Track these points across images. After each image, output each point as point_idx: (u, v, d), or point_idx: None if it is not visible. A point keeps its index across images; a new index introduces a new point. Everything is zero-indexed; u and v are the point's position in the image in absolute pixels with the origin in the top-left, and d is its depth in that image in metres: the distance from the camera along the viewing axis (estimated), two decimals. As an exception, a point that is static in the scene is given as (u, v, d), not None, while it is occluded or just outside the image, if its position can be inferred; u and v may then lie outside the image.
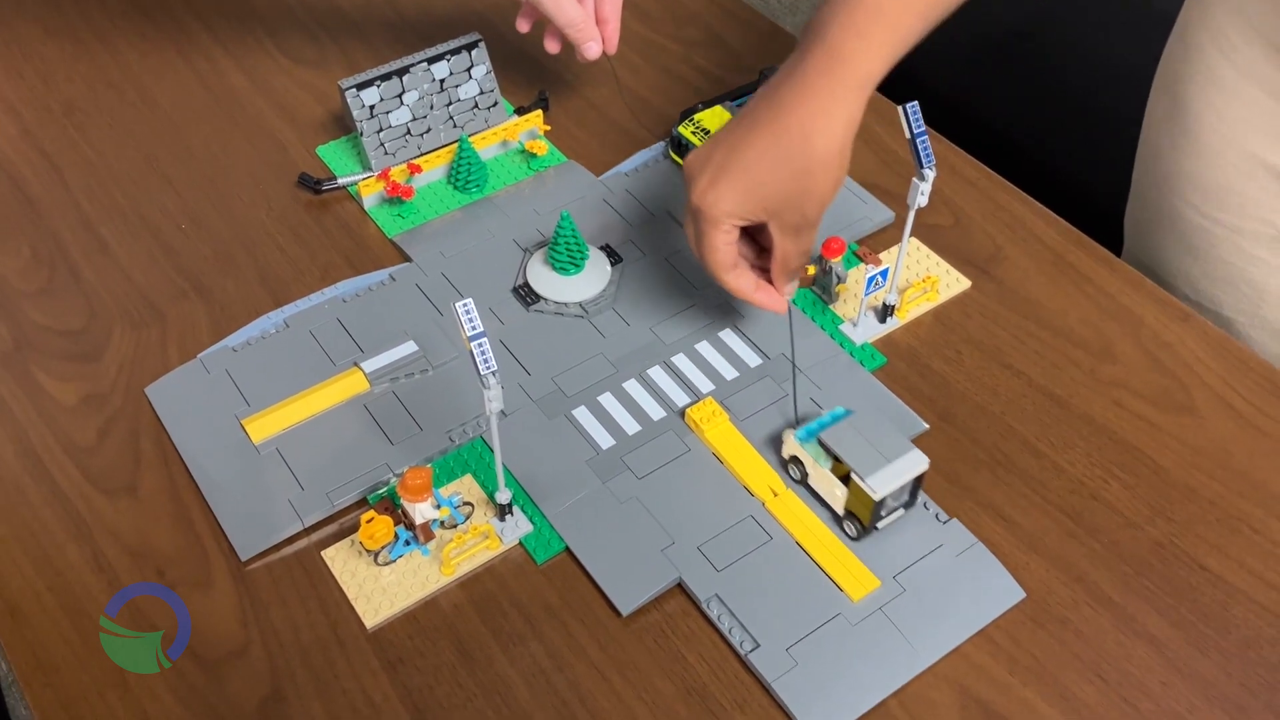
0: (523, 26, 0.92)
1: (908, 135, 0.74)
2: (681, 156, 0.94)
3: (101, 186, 0.94)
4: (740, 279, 0.76)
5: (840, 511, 0.71)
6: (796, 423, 0.75)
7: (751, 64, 1.04)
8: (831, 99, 0.71)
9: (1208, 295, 0.97)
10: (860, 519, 0.70)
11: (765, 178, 0.72)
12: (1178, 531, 0.73)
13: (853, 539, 0.71)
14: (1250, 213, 0.92)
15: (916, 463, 0.69)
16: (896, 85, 1.07)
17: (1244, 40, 0.88)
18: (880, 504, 0.68)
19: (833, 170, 0.72)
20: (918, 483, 0.70)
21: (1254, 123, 0.90)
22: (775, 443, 0.75)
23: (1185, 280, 0.98)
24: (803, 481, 0.73)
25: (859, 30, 0.72)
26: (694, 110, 0.95)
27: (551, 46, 0.92)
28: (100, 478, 0.75)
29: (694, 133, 0.92)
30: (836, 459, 0.70)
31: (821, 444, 0.71)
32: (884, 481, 0.68)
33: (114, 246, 0.89)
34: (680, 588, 0.70)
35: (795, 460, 0.73)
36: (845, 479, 0.70)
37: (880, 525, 0.70)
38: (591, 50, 0.90)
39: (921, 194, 0.75)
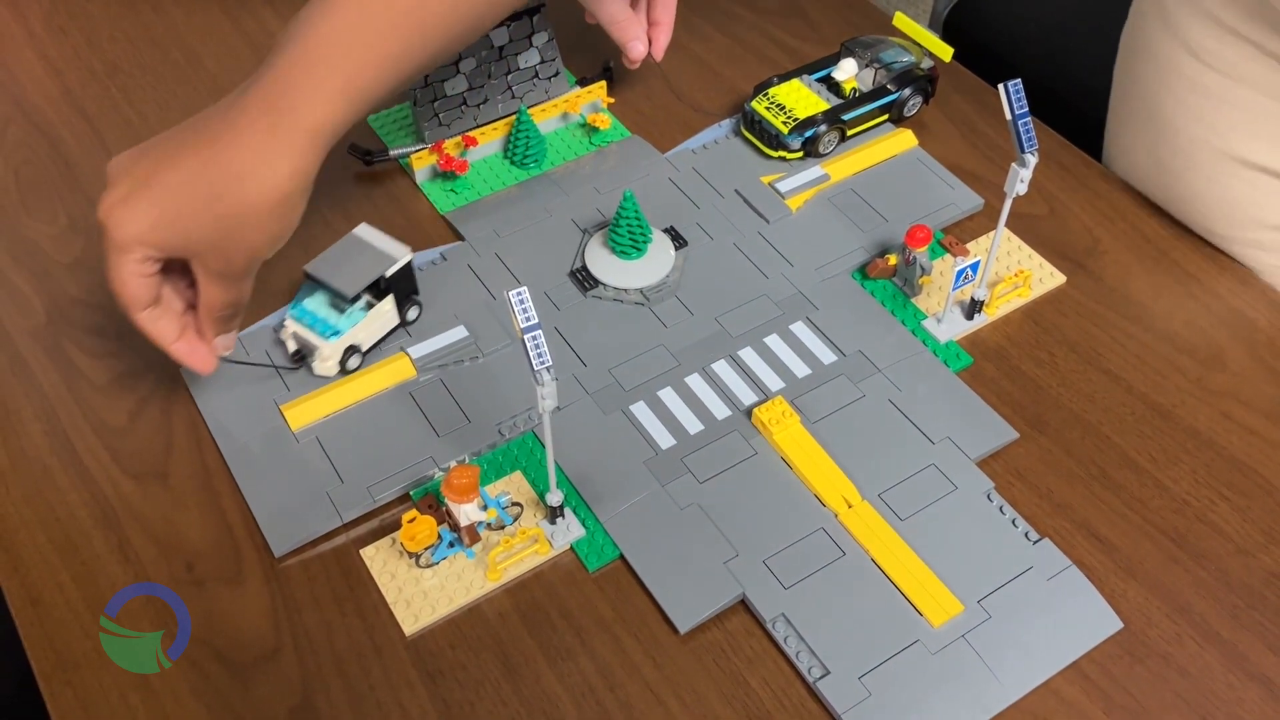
0: (591, 19, 0.88)
1: (1008, 116, 0.67)
2: (754, 133, 0.88)
3: (143, 152, 0.89)
4: (157, 322, 0.66)
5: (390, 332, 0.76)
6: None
7: (831, 36, 0.98)
8: (273, 142, 0.62)
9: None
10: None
11: (186, 209, 0.62)
12: (1294, 561, 0.66)
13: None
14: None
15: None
16: (982, 61, 1.00)
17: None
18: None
19: (269, 223, 0.63)
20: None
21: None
22: (849, 449, 0.69)
23: None
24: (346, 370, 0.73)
25: (309, 70, 0.62)
26: (769, 84, 0.89)
27: (591, 18, 0.88)
28: (130, 462, 0.71)
29: (768, 108, 0.86)
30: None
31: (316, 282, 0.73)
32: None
33: (154, 215, 0.85)
34: (743, 605, 0.64)
35: (303, 345, 0.73)
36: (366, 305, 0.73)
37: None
38: (635, 50, 0.85)
39: (1021, 181, 0.69)
